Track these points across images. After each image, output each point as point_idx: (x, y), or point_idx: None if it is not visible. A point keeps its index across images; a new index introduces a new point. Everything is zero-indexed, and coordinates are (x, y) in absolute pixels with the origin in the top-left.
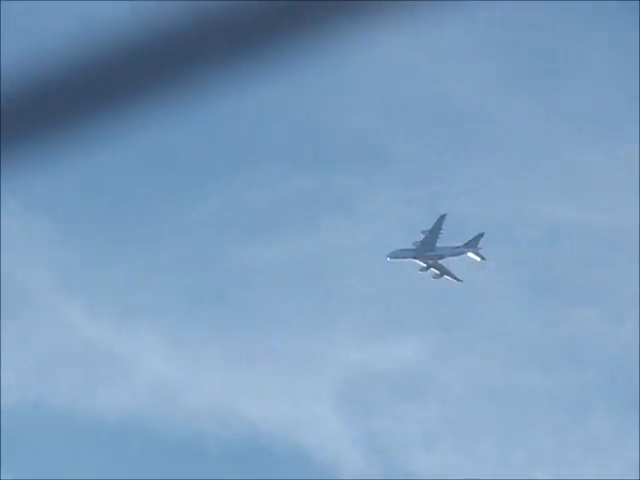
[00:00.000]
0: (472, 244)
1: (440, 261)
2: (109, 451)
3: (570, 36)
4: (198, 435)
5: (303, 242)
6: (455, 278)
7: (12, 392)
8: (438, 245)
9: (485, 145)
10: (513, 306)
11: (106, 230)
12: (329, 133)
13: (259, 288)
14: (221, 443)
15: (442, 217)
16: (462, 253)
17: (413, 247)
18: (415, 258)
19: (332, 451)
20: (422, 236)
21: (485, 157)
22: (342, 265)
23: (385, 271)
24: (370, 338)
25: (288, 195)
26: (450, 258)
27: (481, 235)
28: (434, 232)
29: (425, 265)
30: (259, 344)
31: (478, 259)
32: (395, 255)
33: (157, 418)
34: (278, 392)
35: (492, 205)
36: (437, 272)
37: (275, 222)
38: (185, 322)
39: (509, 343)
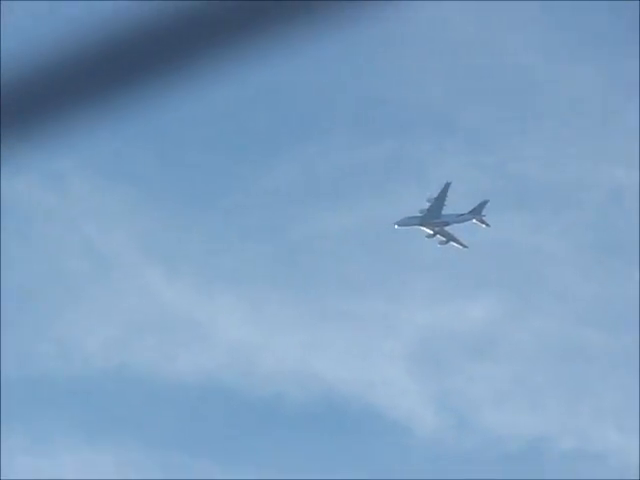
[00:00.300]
0: (476, 211)
1: (446, 228)
2: (190, 413)
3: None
4: (276, 396)
5: (375, 208)
6: (461, 244)
7: (96, 357)
8: (443, 212)
9: (550, 111)
10: (578, 267)
11: (184, 198)
12: (399, 102)
13: (333, 253)
14: (298, 403)
15: (447, 185)
16: (467, 220)
17: (420, 215)
18: (422, 225)
19: (405, 410)
20: (427, 204)
21: (550, 123)
22: (413, 230)
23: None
24: (440, 299)
25: (360, 162)
26: (455, 224)
27: (485, 202)
28: (440, 200)
29: (432, 232)
30: (333, 307)
31: (483, 226)
32: (403, 223)
33: (236, 380)
34: (353, 353)
35: (557, 168)
36: (443, 239)
37: (348, 189)
38: (262, 287)
39: (575, 303)
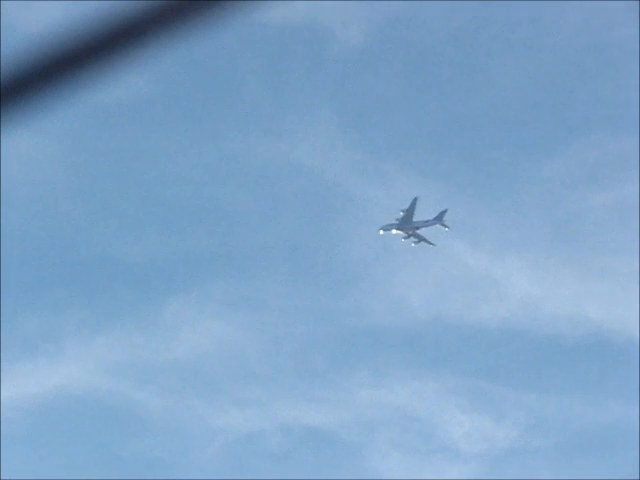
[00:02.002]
0: (439, 218)
1: (417, 231)
2: (491, 350)
3: None
4: (557, 335)
5: (630, 190)
6: (430, 243)
7: (419, 311)
8: (414, 220)
9: None
10: None
11: (482, 185)
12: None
13: (596, 224)
14: (574, 339)
15: (415, 199)
16: (433, 224)
17: (396, 222)
18: (399, 230)
19: None
20: (401, 214)
21: None
22: None
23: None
24: None
25: (615, 153)
26: (424, 228)
27: (445, 211)
28: (410, 210)
29: (407, 235)
30: (599, 264)
31: (446, 229)
32: (384, 228)
33: (525, 324)
34: (615, 299)
35: None
36: (416, 239)
37: (605, 174)
38: (543, 250)
39: None
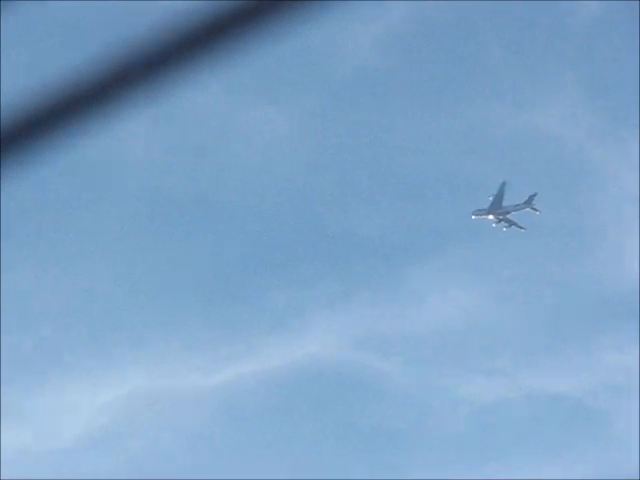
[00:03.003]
0: (528, 202)
1: (508, 216)
2: None
3: None
4: None
5: None
6: (520, 227)
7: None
8: (504, 204)
9: None
10: None
11: None
12: None
13: None
14: None
15: (503, 183)
16: (522, 209)
17: (486, 208)
18: (490, 214)
19: None
20: (491, 199)
21: None
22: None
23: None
24: None
25: None
26: (514, 212)
27: (535, 194)
28: (499, 195)
29: (497, 220)
30: None
31: (537, 212)
32: (476, 213)
33: None
34: None
35: None
36: (507, 224)
37: None
38: None
39: None
